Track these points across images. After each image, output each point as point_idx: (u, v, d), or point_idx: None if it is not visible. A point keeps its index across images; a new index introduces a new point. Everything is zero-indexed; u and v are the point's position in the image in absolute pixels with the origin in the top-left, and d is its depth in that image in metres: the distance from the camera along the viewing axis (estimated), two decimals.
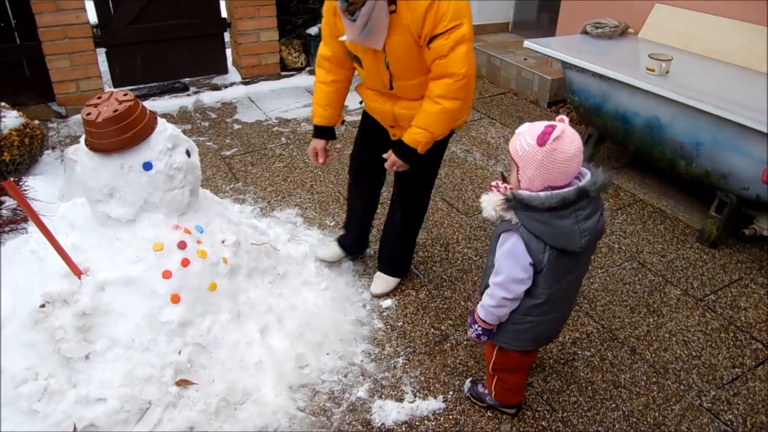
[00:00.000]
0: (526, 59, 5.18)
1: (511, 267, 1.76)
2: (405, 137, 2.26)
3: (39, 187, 3.47)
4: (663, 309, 2.78)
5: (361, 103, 2.59)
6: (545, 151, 1.63)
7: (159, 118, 2.32)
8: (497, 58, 5.40)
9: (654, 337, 2.62)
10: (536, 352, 2.16)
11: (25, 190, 3.31)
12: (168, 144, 2.29)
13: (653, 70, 3.29)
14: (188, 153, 2.40)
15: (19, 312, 2.16)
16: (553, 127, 1.63)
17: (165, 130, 2.31)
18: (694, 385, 2.39)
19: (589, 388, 2.37)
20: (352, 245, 2.97)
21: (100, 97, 2.24)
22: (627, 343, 2.58)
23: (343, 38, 2.22)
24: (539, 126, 1.67)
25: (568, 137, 1.64)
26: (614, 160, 4.05)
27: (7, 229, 3.03)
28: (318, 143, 2.59)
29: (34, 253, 2.35)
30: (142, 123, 2.21)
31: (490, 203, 1.76)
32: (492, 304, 1.85)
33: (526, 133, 1.68)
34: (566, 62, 3.73)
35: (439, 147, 2.45)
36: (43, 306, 2.13)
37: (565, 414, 2.25)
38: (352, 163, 2.78)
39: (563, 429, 2.20)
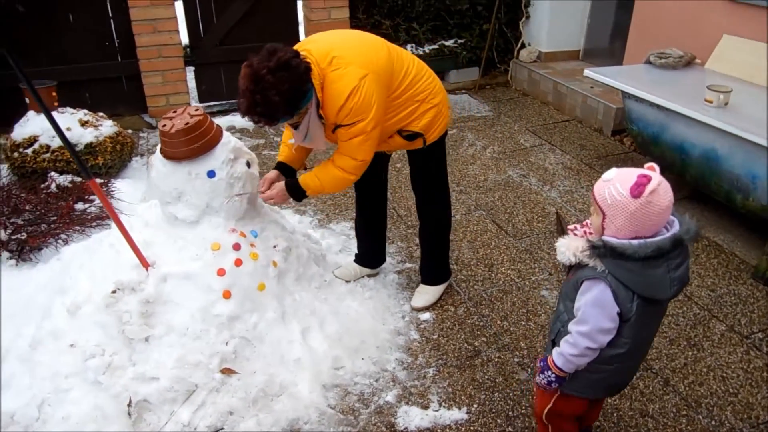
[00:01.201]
0: (592, 87, 5.18)
1: (597, 317, 1.68)
2: (301, 178, 2.52)
3: (125, 189, 3.86)
4: (704, 343, 2.75)
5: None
6: (639, 204, 1.56)
7: (224, 132, 2.59)
8: (563, 85, 5.43)
9: (690, 371, 2.59)
10: (602, 399, 2.10)
11: (112, 191, 3.70)
12: (230, 155, 2.54)
13: (711, 102, 3.27)
14: (248, 164, 2.65)
15: (94, 296, 2.46)
16: (647, 178, 1.56)
17: (229, 142, 2.57)
18: (726, 422, 2.36)
19: (615, 414, 2.39)
20: (368, 258, 3.12)
21: (175, 111, 2.53)
22: (661, 374, 2.58)
23: (292, 141, 2.57)
24: (631, 175, 1.59)
25: (663, 189, 1.57)
26: (674, 192, 3.98)
27: (94, 224, 3.41)
28: (271, 173, 2.65)
29: (113, 246, 2.65)
30: (209, 135, 2.48)
31: (570, 248, 1.69)
32: (574, 353, 1.75)
33: (617, 182, 1.60)
34: (625, 91, 3.75)
35: (431, 158, 2.69)
36: (114, 292, 2.42)
37: None
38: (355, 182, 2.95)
39: None
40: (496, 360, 2.65)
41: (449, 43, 6.04)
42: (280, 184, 2.55)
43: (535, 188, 4.13)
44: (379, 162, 2.79)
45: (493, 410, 2.40)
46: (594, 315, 1.69)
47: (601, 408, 2.23)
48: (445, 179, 2.81)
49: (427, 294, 2.98)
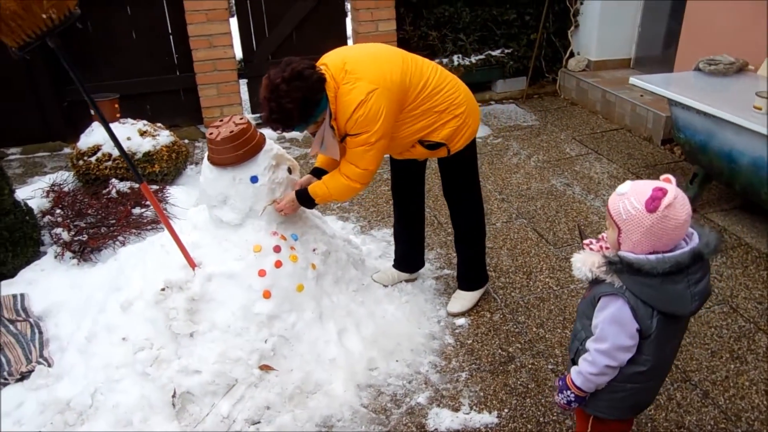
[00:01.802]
0: (642, 95, 5.09)
1: (616, 334, 1.63)
2: (310, 187, 2.61)
3: (179, 195, 4.07)
4: (748, 356, 2.67)
5: None
6: (655, 218, 1.51)
7: (267, 139, 2.72)
8: (612, 93, 5.36)
9: (732, 384, 2.53)
10: (633, 419, 2.02)
11: (167, 197, 3.90)
12: (272, 161, 2.67)
13: (760, 109, 3.18)
14: (290, 170, 2.77)
15: (145, 293, 2.62)
16: (662, 191, 1.51)
17: (271, 149, 2.70)
18: None
19: (650, 425, 2.36)
20: (407, 263, 3.18)
21: (221, 120, 2.68)
22: (700, 386, 2.52)
23: (311, 152, 2.71)
24: (646, 188, 1.54)
25: (679, 203, 1.52)
26: (724, 201, 3.88)
27: (149, 227, 3.61)
28: (304, 178, 2.79)
29: (164, 247, 2.82)
30: (253, 142, 2.61)
31: (586, 263, 1.65)
32: (593, 371, 1.70)
33: (632, 196, 1.56)
34: (671, 99, 3.69)
35: (460, 166, 2.73)
36: (163, 290, 2.58)
37: None
38: (392, 188, 3.08)
39: None
40: (530, 366, 2.66)
41: (496, 53, 6.06)
42: (290, 194, 2.66)
43: (578, 197, 4.10)
44: (414, 168, 2.86)
45: (524, 415, 2.41)
46: (613, 332, 1.64)
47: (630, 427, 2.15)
48: (477, 186, 2.84)
49: (463, 300, 3.02)
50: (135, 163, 4.07)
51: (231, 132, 2.56)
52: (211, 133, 2.60)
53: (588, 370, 1.71)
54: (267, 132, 3.04)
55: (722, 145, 3.44)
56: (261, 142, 2.67)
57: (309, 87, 2.30)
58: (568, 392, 1.78)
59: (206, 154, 2.70)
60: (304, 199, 2.63)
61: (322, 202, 2.67)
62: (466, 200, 2.86)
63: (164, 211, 3.56)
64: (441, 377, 2.62)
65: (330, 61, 2.47)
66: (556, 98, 6.16)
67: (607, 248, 1.69)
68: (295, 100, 2.28)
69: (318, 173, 2.79)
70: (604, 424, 1.86)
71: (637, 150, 4.79)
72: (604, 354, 1.66)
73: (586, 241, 1.75)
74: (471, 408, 2.45)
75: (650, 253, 1.56)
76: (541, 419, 2.39)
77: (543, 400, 2.47)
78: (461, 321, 2.95)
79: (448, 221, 3.78)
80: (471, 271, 3.02)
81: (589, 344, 1.71)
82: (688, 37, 4.81)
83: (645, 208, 1.52)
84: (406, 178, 2.94)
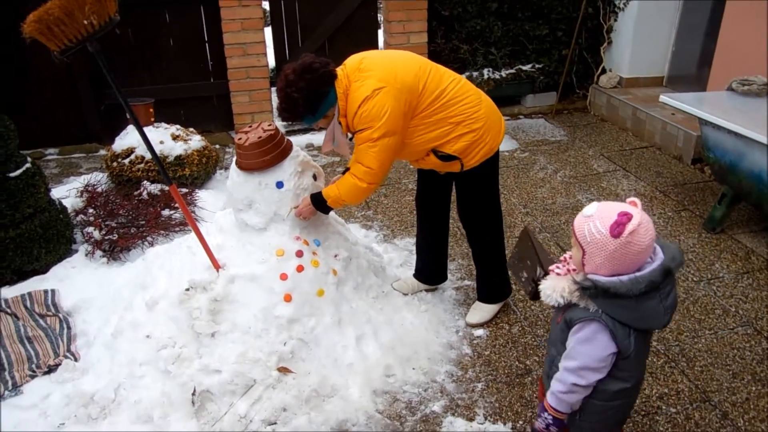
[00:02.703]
0: (674, 114, 5.03)
1: (587, 355, 1.64)
2: (324, 190, 2.66)
3: (208, 198, 4.16)
4: None
5: None
6: (619, 243, 1.52)
7: (294, 146, 2.78)
8: (643, 111, 5.31)
9: (752, 406, 2.48)
10: None
11: (195, 200, 4.00)
12: (298, 168, 2.73)
13: None
14: (315, 177, 2.82)
15: (170, 292, 2.69)
16: (627, 217, 1.52)
17: (297, 156, 2.75)
18: None
19: None
20: (428, 275, 3.19)
21: (250, 126, 2.75)
22: (720, 407, 2.48)
23: (322, 148, 2.76)
24: (612, 212, 1.55)
25: (643, 228, 1.53)
26: (753, 223, 3.81)
27: (177, 229, 3.70)
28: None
29: (190, 248, 2.89)
30: (279, 149, 2.68)
31: (556, 289, 1.64)
32: (561, 389, 1.70)
33: (597, 219, 1.56)
34: (702, 118, 3.65)
35: (475, 182, 2.73)
36: (188, 290, 2.64)
37: None
38: (416, 199, 3.10)
39: None
40: None
41: (527, 67, 6.06)
42: (306, 198, 2.70)
43: None
44: (440, 180, 2.88)
45: None
46: (583, 353, 1.64)
47: None
48: (492, 207, 2.83)
49: (482, 311, 3.02)
50: (166, 167, 4.18)
51: (259, 138, 2.63)
52: (239, 138, 2.67)
53: (557, 389, 1.71)
54: (294, 139, 3.10)
55: (752, 166, 3.38)
56: (288, 149, 2.73)
57: (315, 79, 2.40)
58: (545, 415, 1.76)
59: (234, 159, 2.77)
60: (318, 201, 2.66)
61: (335, 205, 2.67)
62: (480, 220, 2.85)
63: (191, 214, 3.65)
64: (457, 387, 2.62)
65: (349, 61, 2.56)
66: (585, 114, 6.13)
67: (573, 270, 1.69)
68: (300, 90, 2.38)
69: None
70: None
71: (666, 168, 4.74)
72: (572, 372, 1.67)
73: (551, 267, 1.75)
74: (486, 418, 2.45)
75: (613, 275, 1.57)
76: None
77: None
78: (479, 332, 2.95)
79: None
80: (490, 285, 3.02)
81: (561, 362, 1.72)
82: (723, 56, 4.75)
83: (609, 233, 1.53)
84: (430, 190, 2.97)
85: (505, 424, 2.42)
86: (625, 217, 1.52)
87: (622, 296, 1.54)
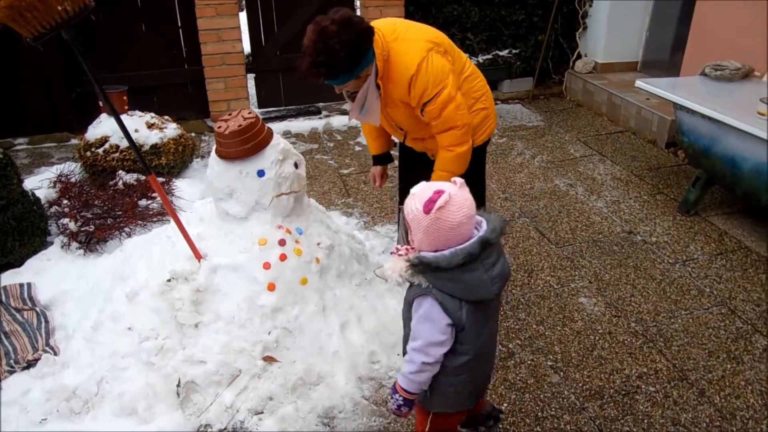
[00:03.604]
0: (648, 98, 5.11)
1: (428, 331, 1.70)
2: (432, 177, 2.52)
3: (185, 187, 4.11)
4: (745, 357, 2.69)
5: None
6: (430, 219, 1.61)
7: (275, 134, 2.75)
8: (618, 96, 5.38)
9: (728, 383, 2.55)
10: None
11: (173, 189, 3.94)
12: (279, 156, 2.70)
13: (764, 114, 3.20)
14: (296, 165, 2.80)
15: (151, 283, 2.66)
16: (439, 194, 1.61)
17: (278, 144, 2.73)
18: None
19: (646, 421, 2.38)
20: None
21: (230, 114, 2.71)
22: (697, 385, 2.55)
23: (349, 117, 2.57)
24: (429, 190, 1.64)
25: (454, 205, 1.61)
26: (726, 205, 3.90)
27: (155, 219, 3.65)
28: (376, 169, 2.97)
29: (170, 238, 2.86)
30: (260, 137, 2.64)
31: (395, 270, 1.69)
32: (412, 370, 1.74)
33: (416, 198, 1.66)
34: (676, 103, 3.71)
35: (474, 162, 2.68)
36: (169, 281, 2.61)
37: None
38: (401, 193, 3.06)
39: None
40: (529, 362, 2.69)
41: (503, 53, 6.08)
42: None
43: (581, 198, 4.12)
44: (424, 167, 2.87)
45: (523, 410, 2.44)
46: (424, 330, 1.70)
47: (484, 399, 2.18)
48: (482, 187, 2.86)
49: None
50: (142, 155, 4.10)
51: (239, 126, 2.59)
52: (219, 127, 2.63)
53: (407, 370, 1.76)
54: (272, 126, 3.07)
55: (725, 150, 3.46)
56: (268, 137, 2.70)
57: (359, 32, 2.20)
58: (397, 396, 1.81)
59: (214, 147, 2.73)
60: None
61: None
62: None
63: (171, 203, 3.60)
64: None
65: (380, 24, 2.43)
66: (561, 99, 6.18)
67: (413, 249, 1.74)
68: (344, 42, 2.15)
69: (380, 160, 2.85)
70: (445, 418, 1.92)
71: (641, 153, 4.81)
72: (419, 351, 1.72)
73: (392, 249, 1.79)
74: None
75: (437, 251, 1.64)
76: (539, 414, 2.42)
77: (542, 396, 2.50)
78: None
79: None
80: None
81: (408, 345, 1.76)
82: (696, 41, 4.83)
83: (422, 209, 1.62)
84: (415, 180, 2.94)
85: None
86: (436, 195, 1.61)
87: (444, 269, 1.62)
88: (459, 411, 1.93)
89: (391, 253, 1.76)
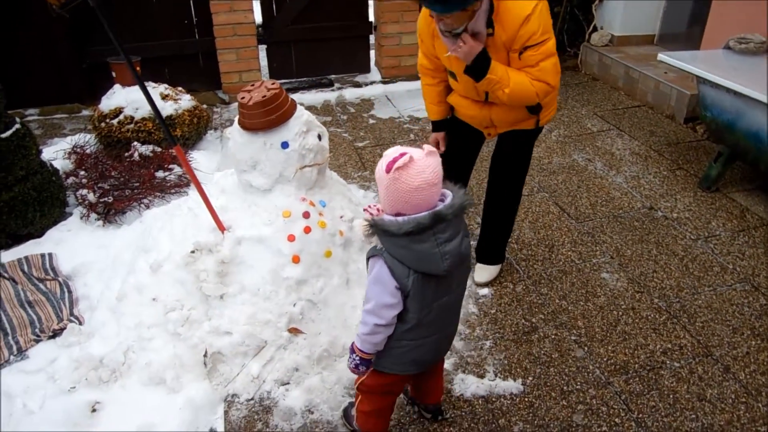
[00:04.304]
0: (666, 72, 5.04)
1: (379, 293, 1.74)
2: (494, 61, 2.28)
3: (200, 159, 4.08)
4: None
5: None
6: (389, 179, 1.63)
7: (298, 105, 2.71)
8: (636, 70, 5.30)
9: (753, 360, 2.56)
10: (405, 381, 2.08)
11: (189, 161, 3.90)
12: (303, 128, 2.66)
13: None
14: (319, 137, 2.77)
15: (174, 255, 2.65)
16: (402, 155, 1.62)
17: (302, 115, 2.69)
18: None
19: (671, 396, 2.39)
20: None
21: (253, 85, 2.67)
22: (722, 361, 2.55)
23: (448, 54, 2.36)
24: (395, 152, 1.66)
25: (414, 169, 1.61)
26: (747, 182, 3.87)
27: (173, 191, 3.63)
28: (438, 135, 2.91)
29: (191, 210, 2.84)
30: (284, 108, 2.60)
31: (361, 228, 1.75)
32: (365, 331, 1.80)
33: (385, 157, 1.67)
34: (700, 77, 3.65)
35: (530, 144, 2.71)
36: (193, 252, 2.60)
37: (640, 416, 2.31)
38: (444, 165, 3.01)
39: (635, 429, 2.26)
40: (553, 337, 2.69)
41: None
42: (477, 45, 2.23)
43: (600, 173, 4.09)
44: (470, 149, 2.87)
45: (548, 384, 2.45)
46: (376, 292, 1.74)
47: (438, 385, 2.23)
48: (527, 170, 2.84)
49: (489, 270, 3.04)
50: (156, 127, 4.07)
51: (263, 97, 2.55)
52: (243, 98, 2.59)
53: (361, 331, 1.81)
54: (297, 97, 3.02)
55: (750, 125, 3.41)
56: (292, 108, 2.66)
57: None
58: (354, 356, 1.88)
59: (237, 118, 2.69)
60: (482, 60, 2.26)
61: (489, 83, 2.31)
62: (516, 182, 2.83)
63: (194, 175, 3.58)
64: (465, 345, 2.65)
65: None
66: (576, 73, 6.10)
67: (382, 212, 1.76)
68: None
69: (440, 126, 2.83)
70: (379, 376, 1.97)
71: (659, 127, 4.76)
72: (371, 313, 1.76)
73: (365, 207, 1.82)
74: (496, 375, 2.49)
75: (398, 215, 1.66)
76: (564, 388, 2.43)
77: (567, 370, 2.51)
78: (484, 291, 2.98)
79: (469, 191, 3.79)
80: (497, 249, 3.04)
81: (363, 306, 1.81)
82: (718, 14, 4.73)
83: (385, 169, 1.64)
84: (460, 155, 2.92)
85: (515, 380, 2.47)
86: (400, 156, 1.61)
87: (394, 234, 1.63)
88: (396, 375, 1.95)
89: (364, 210, 1.79)
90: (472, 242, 3.31)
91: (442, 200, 1.70)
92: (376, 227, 1.67)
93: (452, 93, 2.75)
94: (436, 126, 2.89)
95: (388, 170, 1.63)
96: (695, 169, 4.10)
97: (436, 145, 2.92)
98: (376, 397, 2.06)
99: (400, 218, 1.64)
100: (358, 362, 1.89)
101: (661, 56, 3.96)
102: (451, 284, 1.83)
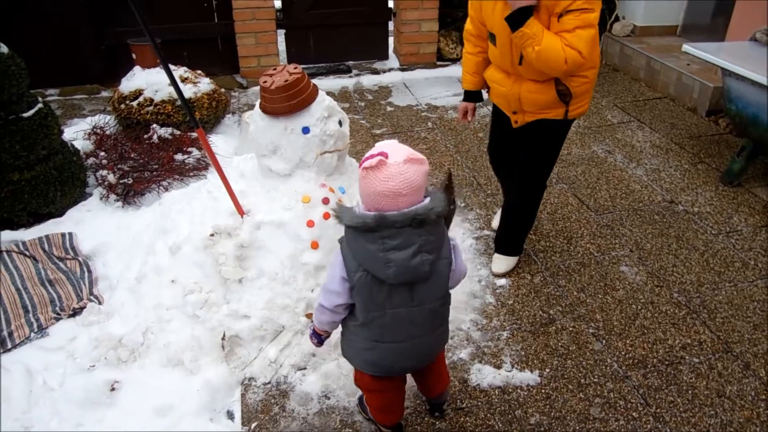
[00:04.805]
0: (689, 64, 4.96)
1: (329, 277, 1.78)
2: (532, 18, 2.26)
3: (218, 143, 4.08)
4: None
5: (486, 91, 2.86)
6: (359, 174, 1.63)
7: (320, 91, 2.70)
8: (657, 61, 5.22)
9: None
10: (395, 381, 2.02)
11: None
12: (324, 113, 2.65)
13: None
14: (340, 123, 2.75)
15: (193, 237, 2.66)
16: (380, 155, 1.58)
17: (323, 101, 2.67)
18: None
19: (690, 392, 2.38)
20: None
21: (275, 69, 2.65)
22: (742, 358, 2.53)
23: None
24: (378, 148, 1.63)
25: (382, 173, 1.57)
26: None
27: (191, 174, 3.64)
28: (468, 105, 2.92)
29: (210, 193, 2.85)
30: (306, 93, 2.59)
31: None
32: (316, 306, 1.86)
33: (373, 149, 1.65)
34: (725, 69, 3.59)
35: (557, 138, 2.69)
36: (212, 235, 2.61)
37: (658, 410, 2.30)
38: (488, 151, 3.12)
39: (653, 423, 2.25)
40: (571, 329, 2.68)
41: None
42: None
43: (620, 165, 4.05)
44: (511, 137, 2.83)
45: (565, 376, 2.44)
46: (329, 275, 1.78)
47: (433, 381, 2.15)
48: (552, 165, 2.82)
49: (507, 261, 3.02)
50: (176, 110, 4.07)
51: (285, 81, 2.54)
52: (264, 82, 2.58)
53: (315, 305, 1.88)
54: (319, 83, 3.01)
55: None
56: (314, 93, 2.65)
57: None
58: (310, 324, 1.98)
59: (258, 102, 2.69)
60: (525, 11, 2.26)
61: (523, 35, 2.27)
62: (538, 176, 2.81)
63: (207, 158, 3.58)
64: (482, 335, 2.65)
65: None
66: None
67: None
68: None
69: (472, 96, 2.86)
70: (360, 374, 2.01)
71: (681, 120, 4.70)
72: (321, 291, 1.82)
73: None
74: (513, 366, 2.49)
75: (369, 210, 1.65)
76: (582, 381, 2.42)
77: (584, 363, 2.50)
78: (502, 281, 2.96)
79: (488, 183, 3.78)
80: (517, 240, 3.03)
81: None
82: (743, 6, 4.64)
83: (361, 162, 1.63)
84: (503, 149, 2.97)
85: (532, 371, 2.46)
86: (377, 155, 1.59)
87: (346, 225, 1.65)
88: (370, 376, 1.96)
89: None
90: (489, 232, 3.29)
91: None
92: (335, 215, 1.69)
93: (489, 67, 2.76)
94: (468, 95, 2.91)
95: (360, 165, 1.62)
96: (717, 163, 4.04)
97: (464, 114, 2.95)
98: (373, 394, 2.07)
99: (354, 211, 1.65)
100: (312, 332, 1.98)
101: (686, 47, 3.89)
102: (411, 297, 1.75)
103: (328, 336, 2.01)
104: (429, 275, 1.71)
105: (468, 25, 2.72)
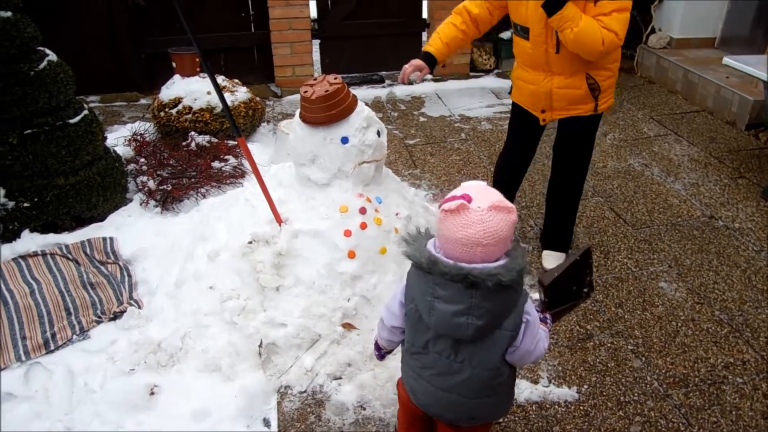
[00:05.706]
0: (728, 77, 4.87)
1: (393, 296, 1.74)
2: (569, 2, 2.32)
3: (254, 151, 4.08)
4: None
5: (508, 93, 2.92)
6: (438, 216, 1.48)
7: (359, 101, 2.72)
8: (695, 74, 5.14)
9: None
10: (417, 410, 1.84)
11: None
12: (363, 123, 2.67)
13: None
14: (378, 133, 2.77)
15: (231, 244, 2.69)
16: (462, 199, 1.43)
17: (362, 111, 2.69)
18: None
19: (734, 413, 2.32)
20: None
21: (315, 79, 2.68)
22: None
23: None
24: (462, 190, 1.48)
25: (463, 219, 1.42)
26: None
27: (228, 181, 3.69)
28: (418, 62, 2.82)
29: (248, 201, 2.88)
30: (345, 103, 2.61)
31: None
32: (380, 319, 1.82)
33: (459, 189, 1.50)
34: (767, 82, 3.53)
35: (591, 132, 2.77)
36: (250, 243, 2.64)
37: (701, 431, 2.25)
38: (502, 162, 3.13)
39: None
40: (609, 345, 2.64)
41: None
42: None
43: (657, 179, 3.98)
44: (533, 133, 2.92)
45: (604, 393, 2.40)
46: (394, 294, 1.74)
47: None
48: (588, 161, 2.89)
49: (556, 257, 3.07)
50: (213, 118, 4.14)
51: (326, 91, 2.57)
52: (305, 92, 2.61)
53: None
54: (358, 93, 3.04)
55: None
56: (353, 104, 2.67)
57: None
58: (375, 334, 1.93)
59: (297, 111, 2.72)
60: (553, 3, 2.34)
61: (561, 18, 2.34)
62: (575, 172, 2.89)
63: (244, 167, 3.63)
64: None
65: None
66: (632, 76, 5.95)
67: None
68: None
69: (428, 58, 2.81)
70: (402, 387, 1.90)
71: (720, 134, 4.61)
72: (384, 308, 1.79)
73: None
74: (550, 381, 2.46)
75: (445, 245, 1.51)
76: (621, 398, 2.38)
77: (623, 380, 2.46)
78: (535, 296, 2.93)
79: (522, 194, 3.75)
80: (562, 236, 3.11)
81: None
82: None
83: (443, 199, 1.50)
84: (518, 148, 3.02)
85: (570, 387, 2.42)
86: (455, 199, 1.44)
87: (408, 256, 1.56)
88: (405, 392, 1.85)
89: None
90: (535, 231, 3.27)
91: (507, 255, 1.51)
92: (405, 239, 1.60)
93: (516, 67, 2.78)
94: (427, 58, 2.82)
95: (439, 205, 1.48)
96: (758, 178, 3.95)
97: (414, 70, 2.82)
98: (401, 405, 2.00)
99: (422, 244, 1.55)
100: (375, 342, 1.95)
101: (727, 60, 3.83)
102: (455, 352, 1.60)
103: (389, 352, 1.96)
104: (474, 339, 1.55)
105: (470, 4, 2.73)
